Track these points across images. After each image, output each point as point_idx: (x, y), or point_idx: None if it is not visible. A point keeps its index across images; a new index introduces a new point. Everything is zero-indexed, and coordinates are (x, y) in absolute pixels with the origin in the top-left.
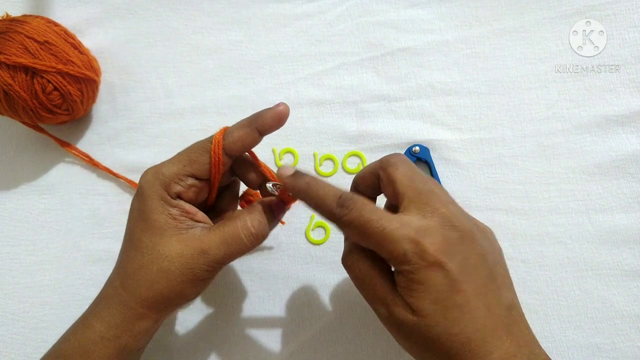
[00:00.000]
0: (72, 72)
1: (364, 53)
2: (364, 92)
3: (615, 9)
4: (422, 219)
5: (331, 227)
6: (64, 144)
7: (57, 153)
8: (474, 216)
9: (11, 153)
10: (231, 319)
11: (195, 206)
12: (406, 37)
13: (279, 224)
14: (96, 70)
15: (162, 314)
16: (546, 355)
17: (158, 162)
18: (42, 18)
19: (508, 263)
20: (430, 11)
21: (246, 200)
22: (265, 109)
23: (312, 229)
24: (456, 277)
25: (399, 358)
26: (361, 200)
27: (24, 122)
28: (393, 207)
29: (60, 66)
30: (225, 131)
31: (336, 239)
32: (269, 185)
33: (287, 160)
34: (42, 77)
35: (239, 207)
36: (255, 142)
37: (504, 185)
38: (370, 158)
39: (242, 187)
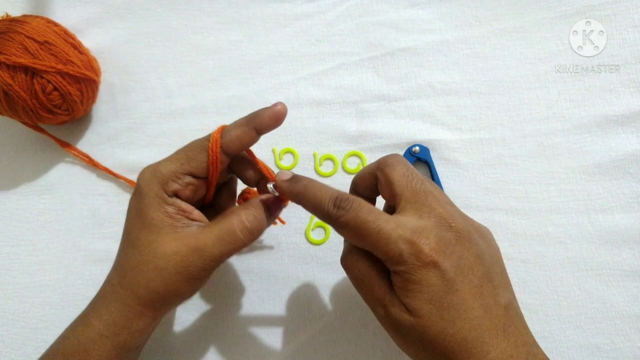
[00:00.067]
0: (72, 72)
1: (364, 53)
2: (364, 92)
3: (615, 9)
4: (419, 220)
5: (331, 227)
6: (64, 144)
7: (57, 153)
8: (474, 216)
9: (11, 153)
10: (231, 319)
11: (193, 204)
12: (406, 37)
13: (280, 224)
14: (96, 70)
15: (159, 312)
16: (544, 355)
17: None
18: (42, 18)
19: (508, 263)
20: (430, 11)
21: (244, 198)
22: (263, 108)
23: (312, 229)
24: (452, 277)
25: (399, 358)
26: (358, 201)
27: (23, 122)
28: (392, 208)
29: (60, 66)
30: (223, 130)
31: (336, 239)
32: (270, 185)
33: (287, 160)
34: (42, 77)
35: (236, 205)
36: (253, 140)
37: (504, 185)
38: (370, 158)
39: (242, 186)
